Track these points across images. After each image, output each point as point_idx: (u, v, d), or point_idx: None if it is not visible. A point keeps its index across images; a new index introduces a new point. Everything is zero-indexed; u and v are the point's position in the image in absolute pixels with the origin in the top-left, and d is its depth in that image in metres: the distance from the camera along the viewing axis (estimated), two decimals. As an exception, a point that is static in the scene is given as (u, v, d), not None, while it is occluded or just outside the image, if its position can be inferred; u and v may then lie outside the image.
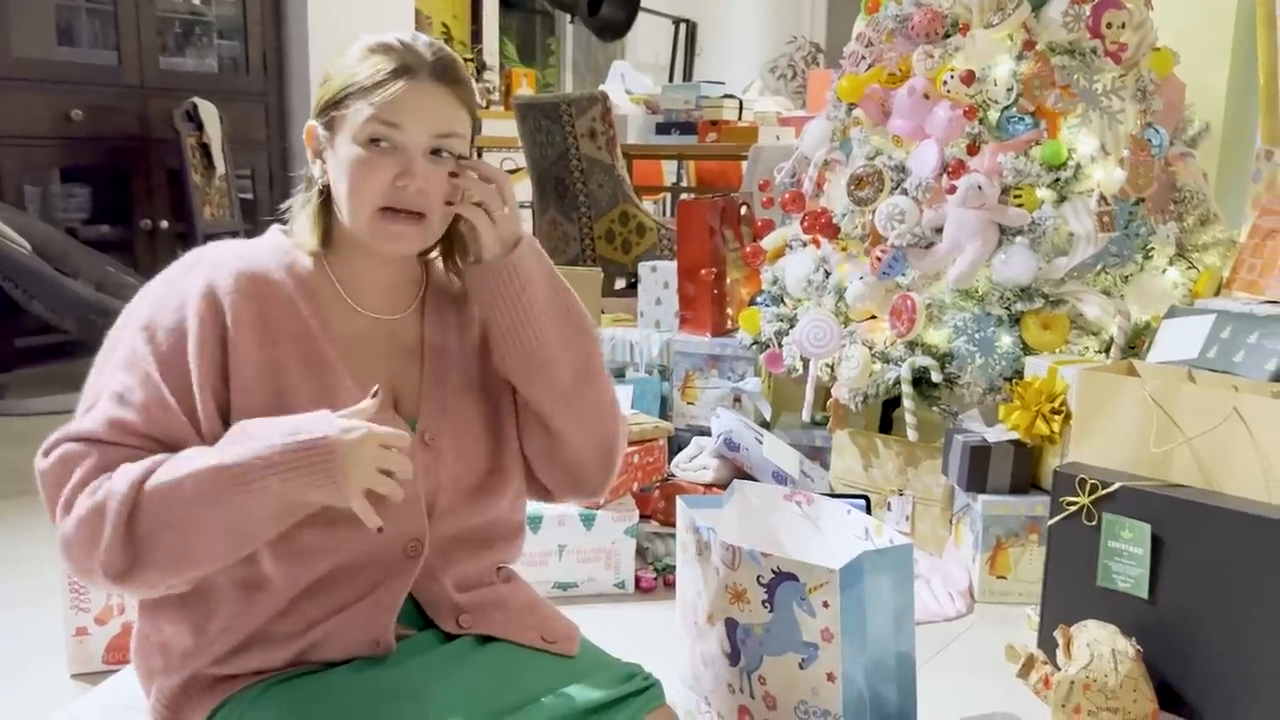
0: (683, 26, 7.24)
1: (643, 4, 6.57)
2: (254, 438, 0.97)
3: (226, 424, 1.02)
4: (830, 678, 1.36)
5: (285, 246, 1.12)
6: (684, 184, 6.01)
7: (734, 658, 1.45)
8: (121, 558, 0.95)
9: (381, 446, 0.97)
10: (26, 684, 1.72)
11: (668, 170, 6.15)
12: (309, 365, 1.07)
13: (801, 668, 1.37)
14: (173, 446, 1.01)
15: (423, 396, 1.14)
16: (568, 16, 7.19)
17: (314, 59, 4.72)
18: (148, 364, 1.02)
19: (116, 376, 1.03)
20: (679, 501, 1.58)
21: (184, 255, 1.10)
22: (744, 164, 5.59)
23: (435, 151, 1.07)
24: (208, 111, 4.17)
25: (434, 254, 1.21)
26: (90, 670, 1.72)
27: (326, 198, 1.11)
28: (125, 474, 0.97)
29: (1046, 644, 1.81)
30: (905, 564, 1.40)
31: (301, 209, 1.13)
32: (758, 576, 1.39)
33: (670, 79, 6.84)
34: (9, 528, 2.36)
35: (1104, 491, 1.76)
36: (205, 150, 4.19)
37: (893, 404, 2.63)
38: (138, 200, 4.30)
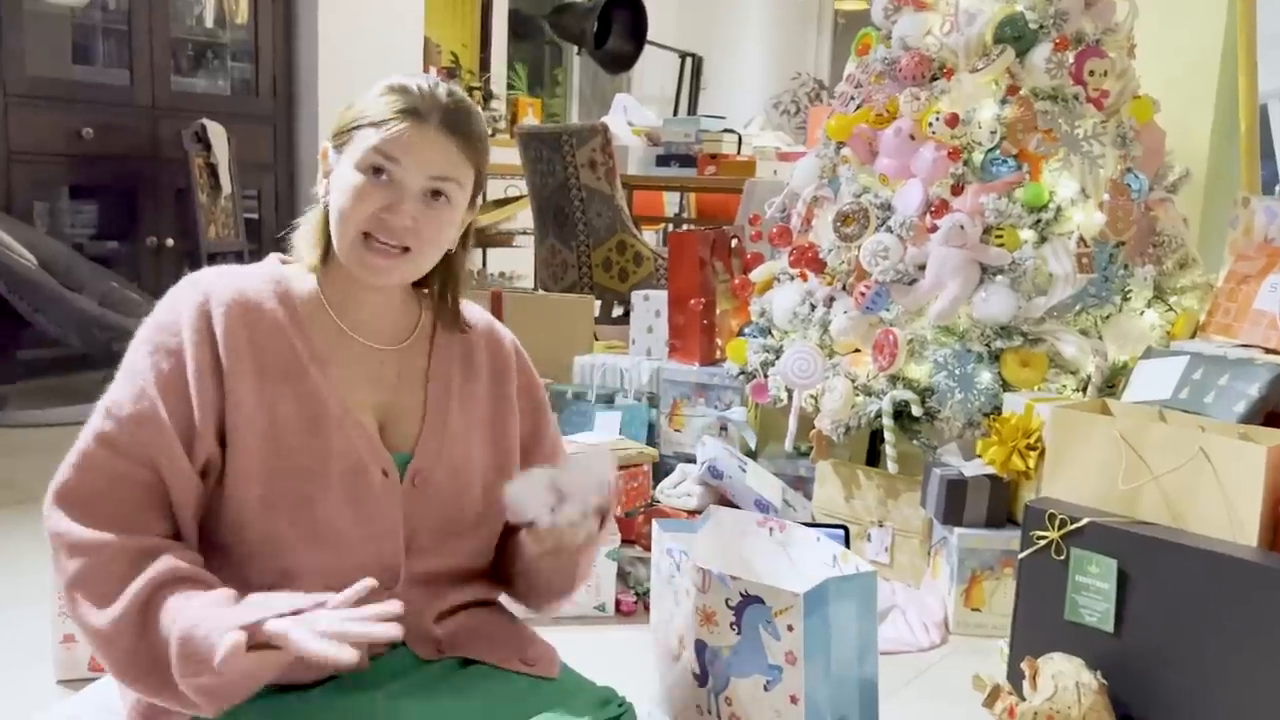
0: (689, 61, 7.32)
1: (649, 38, 6.66)
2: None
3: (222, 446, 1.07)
4: (793, 699, 1.39)
5: (280, 275, 1.16)
6: (685, 215, 6.08)
7: (702, 679, 1.48)
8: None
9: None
10: (12, 688, 1.75)
11: (669, 202, 6.22)
12: (298, 395, 1.10)
13: (766, 690, 1.41)
14: (154, 465, 1.05)
15: (421, 437, 1.17)
16: (575, 48, 7.28)
17: (324, 83, 4.77)
18: (145, 380, 1.06)
19: (113, 390, 1.08)
20: (654, 524, 1.62)
21: (183, 279, 1.13)
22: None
23: (434, 194, 1.10)
24: (216, 132, 4.23)
25: (427, 290, 1.23)
26: (76, 677, 1.73)
27: (327, 217, 1.14)
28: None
29: (1015, 675, 1.84)
30: (869, 591, 1.43)
31: (306, 225, 1.17)
32: (726, 599, 1.43)
33: (675, 112, 6.92)
34: (3, 534, 2.40)
35: (1073, 526, 1.79)
36: (212, 170, 4.25)
37: (879, 435, 2.66)
38: (144, 218, 4.36)
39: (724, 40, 8.13)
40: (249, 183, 4.63)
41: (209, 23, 4.75)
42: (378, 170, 1.09)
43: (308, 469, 1.09)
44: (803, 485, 2.63)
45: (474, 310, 1.29)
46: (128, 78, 4.31)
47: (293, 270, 1.17)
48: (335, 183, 1.11)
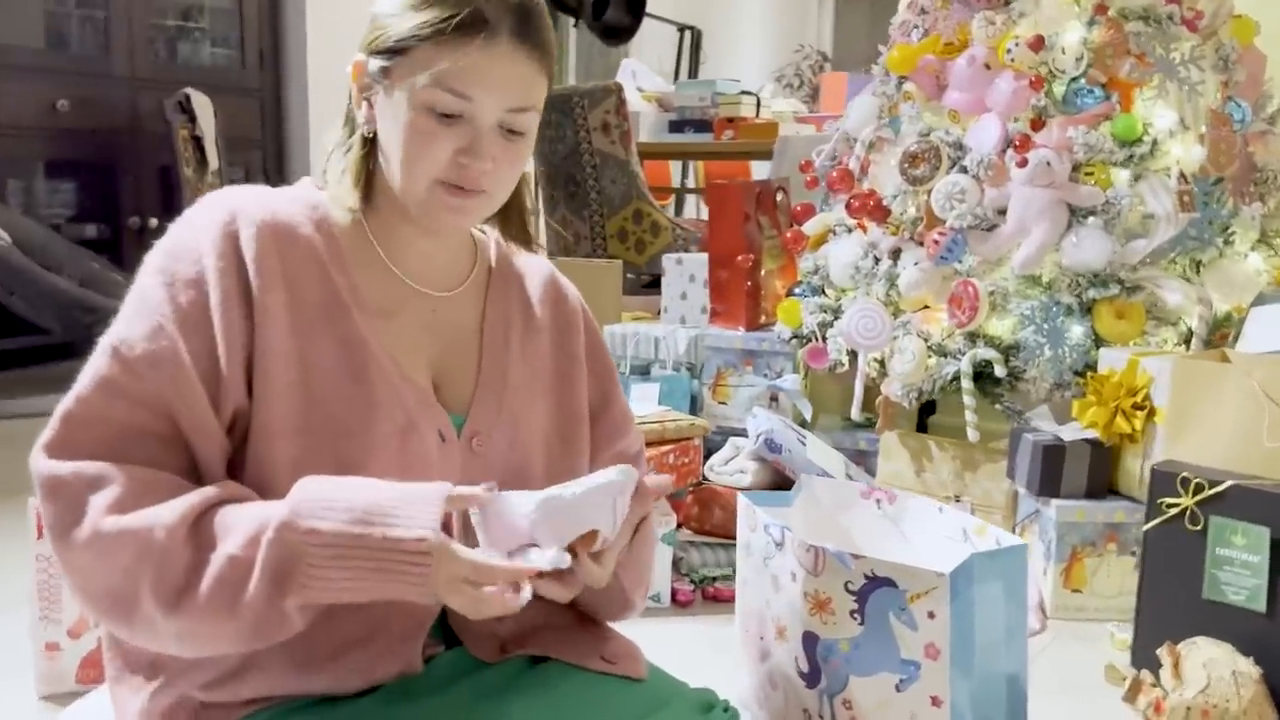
0: (688, 33, 7.11)
1: (648, 9, 6.44)
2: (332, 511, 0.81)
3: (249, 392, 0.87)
4: (935, 702, 1.15)
5: (316, 200, 0.96)
6: (691, 186, 5.85)
7: (812, 678, 1.25)
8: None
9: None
10: (-12, 707, 1.52)
11: (675, 172, 5.99)
12: (337, 335, 0.91)
13: (899, 690, 1.17)
14: (173, 416, 0.85)
15: (477, 393, 0.99)
16: (572, 20, 7.05)
17: (312, 55, 4.57)
18: (163, 314, 0.86)
19: (119, 326, 0.88)
20: (741, 499, 1.39)
21: (203, 197, 0.94)
22: (752, 164, 5.44)
23: (511, 133, 0.92)
24: (201, 103, 3.99)
25: (485, 228, 1.07)
26: (61, 691, 1.52)
27: (369, 148, 0.95)
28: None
29: (1141, 663, 1.62)
30: (1019, 569, 1.20)
31: (339, 154, 0.95)
32: (846, 583, 1.19)
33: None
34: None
35: (1211, 491, 1.57)
36: (198, 144, 4.01)
37: (929, 408, 2.43)
38: (125, 196, 4.13)
39: (723, 12, 7.93)
40: (235, 160, 4.41)
41: (190, -10, 4.50)
42: (444, 111, 0.89)
43: (348, 427, 0.90)
44: (863, 460, 2.40)
45: (535, 258, 1.10)
46: (105, 48, 4.05)
47: (327, 196, 0.97)
48: (386, 115, 0.92)
